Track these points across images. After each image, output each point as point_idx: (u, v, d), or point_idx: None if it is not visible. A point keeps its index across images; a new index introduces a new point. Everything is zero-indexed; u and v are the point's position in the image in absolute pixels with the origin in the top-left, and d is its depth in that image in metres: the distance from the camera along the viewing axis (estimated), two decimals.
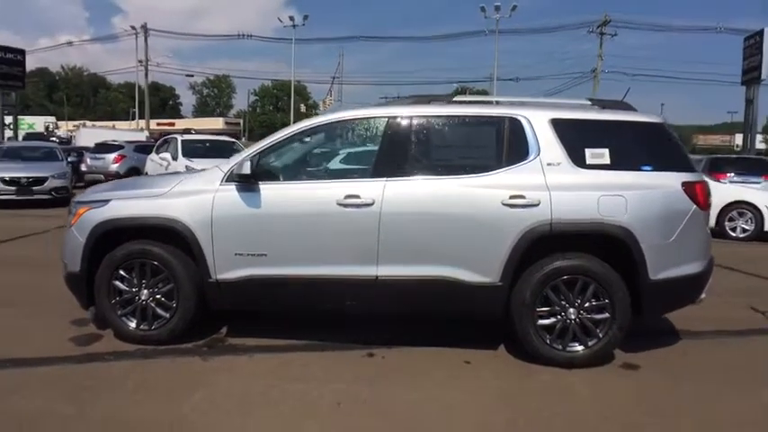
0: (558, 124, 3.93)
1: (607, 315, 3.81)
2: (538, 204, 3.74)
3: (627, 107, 4.27)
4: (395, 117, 4.04)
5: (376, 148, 4.03)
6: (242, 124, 70.88)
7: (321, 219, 3.89)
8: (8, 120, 28.87)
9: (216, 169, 4.13)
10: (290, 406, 3.26)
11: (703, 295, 4.13)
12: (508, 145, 3.93)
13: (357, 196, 3.85)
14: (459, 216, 3.79)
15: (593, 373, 3.80)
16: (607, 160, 3.86)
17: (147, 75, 41.94)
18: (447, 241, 3.81)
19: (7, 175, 11.81)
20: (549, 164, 3.84)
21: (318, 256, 3.91)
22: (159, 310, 4.08)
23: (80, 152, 17.98)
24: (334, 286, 3.92)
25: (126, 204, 4.10)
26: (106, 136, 23.82)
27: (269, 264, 3.94)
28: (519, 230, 3.73)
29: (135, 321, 4.09)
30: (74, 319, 4.53)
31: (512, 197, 3.76)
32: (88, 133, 28.91)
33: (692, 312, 4.72)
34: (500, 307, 3.86)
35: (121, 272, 4.07)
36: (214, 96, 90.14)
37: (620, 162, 3.87)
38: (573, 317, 3.82)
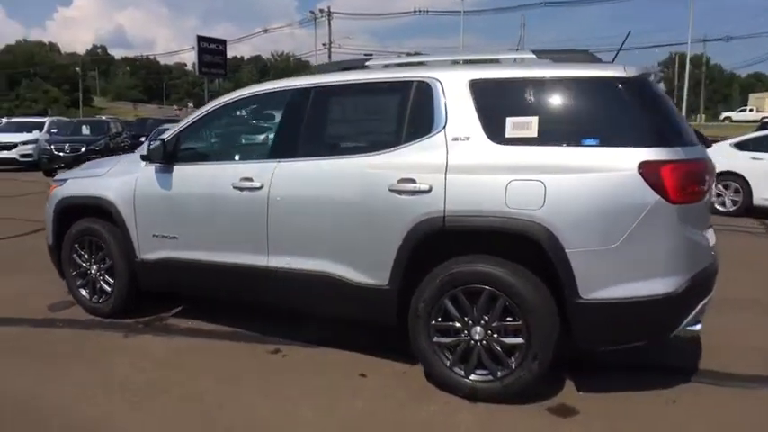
0: (478, 87, 3.02)
1: (521, 340, 2.87)
2: (428, 191, 2.94)
3: (589, 59, 3.09)
4: (297, 89, 3.54)
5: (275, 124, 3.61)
6: None
7: (220, 202, 3.64)
8: None
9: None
10: (131, 392, 3.14)
11: (697, 326, 2.87)
12: (411, 116, 3.14)
13: (250, 179, 3.50)
14: (342, 203, 3.19)
15: (500, 411, 2.91)
16: (534, 132, 2.84)
17: (329, 57, 45.02)
18: (329, 232, 3.25)
19: None
20: (455, 138, 2.98)
21: (219, 241, 3.68)
22: (104, 285, 4.28)
23: None
24: (233, 275, 3.65)
25: (76, 183, 4.37)
26: None
27: (180, 247, 3.84)
28: (406, 224, 2.99)
29: (88, 294, 4.37)
30: None
31: (400, 181, 3.02)
32: None
33: (745, 342, 3.40)
34: (391, 314, 3.17)
35: (77, 246, 4.36)
36: None
37: (552, 134, 2.83)
38: (479, 337, 2.96)
